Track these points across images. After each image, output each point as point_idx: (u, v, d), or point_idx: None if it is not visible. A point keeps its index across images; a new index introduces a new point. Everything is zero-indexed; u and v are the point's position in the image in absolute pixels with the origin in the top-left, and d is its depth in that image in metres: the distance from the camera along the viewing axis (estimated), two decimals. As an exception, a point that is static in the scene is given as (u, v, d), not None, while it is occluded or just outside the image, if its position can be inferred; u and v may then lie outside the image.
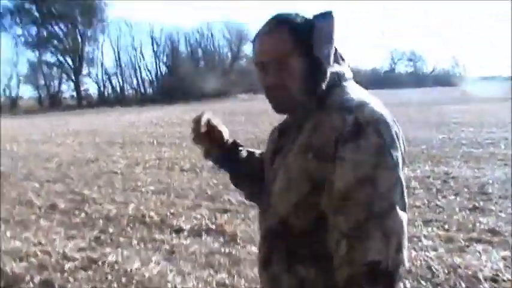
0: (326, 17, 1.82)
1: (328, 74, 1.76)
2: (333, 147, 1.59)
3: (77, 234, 7.20)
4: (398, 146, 1.63)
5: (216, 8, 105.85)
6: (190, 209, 8.27)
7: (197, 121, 2.04)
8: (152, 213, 8.01)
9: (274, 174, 1.84)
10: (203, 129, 2.04)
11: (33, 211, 8.77)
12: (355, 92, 1.77)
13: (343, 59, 1.87)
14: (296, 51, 1.73)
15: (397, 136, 1.64)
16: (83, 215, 8.30)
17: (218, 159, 2.18)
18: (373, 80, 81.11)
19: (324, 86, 1.75)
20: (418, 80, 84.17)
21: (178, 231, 7.07)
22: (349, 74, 1.86)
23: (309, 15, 1.83)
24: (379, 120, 1.62)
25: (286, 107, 1.82)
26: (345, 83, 1.80)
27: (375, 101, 1.74)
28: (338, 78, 1.80)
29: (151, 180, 10.85)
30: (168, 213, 7.99)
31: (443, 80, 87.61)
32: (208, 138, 2.09)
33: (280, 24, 1.78)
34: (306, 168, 1.67)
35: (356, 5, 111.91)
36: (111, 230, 7.28)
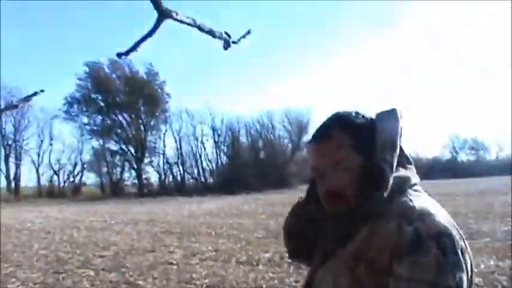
0: (390, 117, 1.74)
1: (391, 181, 1.65)
2: (388, 261, 1.50)
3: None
4: (463, 265, 1.51)
5: (276, 95, 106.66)
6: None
7: None
8: (205, 308, 7.85)
9: (322, 275, 1.76)
10: None
11: (88, 301, 8.71)
12: (418, 199, 1.66)
13: (409, 162, 1.79)
14: (355, 156, 1.66)
15: (462, 253, 1.52)
16: (135, 307, 8.19)
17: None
18: (435, 169, 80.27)
19: (385, 194, 1.63)
20: (481, 168, 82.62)
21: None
22: (414, 179, 1.76)
23: (371, 113, 1.75)
24: (442, 233, 1.52)
25: (342, 214, 1.71)
26: (409, 190, 1.70)
27: (440, 210, 1.64)
28: (401, 184, 1.69)
29: (206, 273, 10.67)
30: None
31: (509, 167, 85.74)
32: None
33: (338, 126, 1.71)
34: (356, 281, 1.57)
35: (412, 89, 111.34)
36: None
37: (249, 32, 3.32)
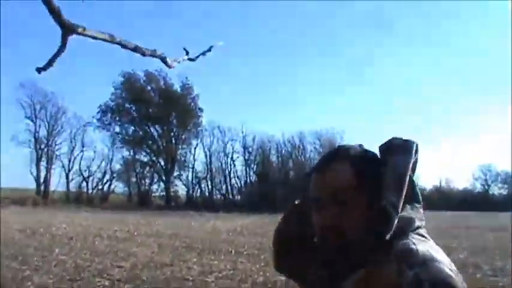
0: (402, 151, 1.61)
1: (395, 223, 1.52)
2: None
3: None
4: None
5: (309, 118, 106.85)
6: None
7: None
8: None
9: None
10: None
11: (96, 311, 8.64)
12: (421, 244, 1.52)
13: (418, 201, 1.63)
14: (358, 190, 1.54)
15: None
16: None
17: None
18: (465, 201, 79.44)
19: (387, 237, 1.51)
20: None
21: None
22: (420, 222, 1.60)
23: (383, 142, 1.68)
24: (445, 282, 1.40)
25: (337, 253, 1.58)
26: (412, 233, 1.56)
27: (443, 257, 1.51)
28: (404, 227, 1.55)
29: (220, 291, 10.59)
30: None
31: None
32: None
33: (341, 158, 1.62)
34: None
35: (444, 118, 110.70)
36: None
37: (209, 50, 3.26)
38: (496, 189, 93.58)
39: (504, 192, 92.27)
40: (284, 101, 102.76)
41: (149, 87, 69.24)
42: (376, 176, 1.57)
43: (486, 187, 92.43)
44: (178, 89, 69.66)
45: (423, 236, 1.58)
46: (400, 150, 1.60)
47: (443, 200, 79.09)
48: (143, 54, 2.91)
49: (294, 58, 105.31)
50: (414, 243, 1.50)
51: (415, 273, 1.40)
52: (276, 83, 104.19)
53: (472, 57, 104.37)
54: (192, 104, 70.11)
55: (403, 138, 1.65)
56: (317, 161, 1.71)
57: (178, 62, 3.08)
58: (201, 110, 70.68)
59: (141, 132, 69.79)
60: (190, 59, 3.03)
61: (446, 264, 1.46)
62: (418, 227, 1.60)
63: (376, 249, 1.52)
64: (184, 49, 2.97)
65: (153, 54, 2.96)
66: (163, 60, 3.01)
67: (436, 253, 1.51)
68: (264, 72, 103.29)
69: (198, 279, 12.10)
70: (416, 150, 1.63)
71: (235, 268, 13.88)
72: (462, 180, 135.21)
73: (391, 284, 1.42)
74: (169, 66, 3.03)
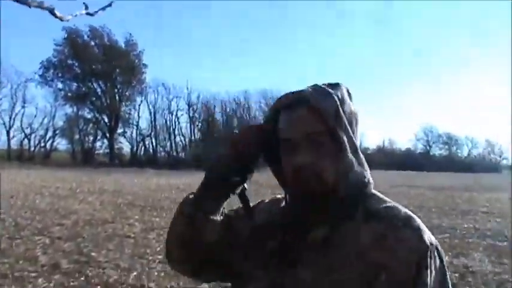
0: (346, 93, 1.59)
1: (357, 169, 1.52)
2: (413, 271, 1.39)
3: (70, 299, 6.99)
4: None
5: (255, 77, 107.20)
6: (191, 282, 7.99)
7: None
8: (152, 284, 7.78)
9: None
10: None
11: (35, 269, 8.61)
12: (397, 204, 1.56)
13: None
14: (335, 131, 1.47)
15: None
16: (82, 278, 8.09)
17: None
18: (408, 161, 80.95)
19: (354, 182, 1.51)
20: (453, 164, 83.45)
21: (173, 306, 6.81)
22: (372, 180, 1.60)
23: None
24: (439, 245, 1.48)
25: (317, 194, 1.48)
26: (373, 190, 1.59)
27: None
28: (368, 180, 1.57)
29: (161, 249, 10.56)
30: (169, 286, 7.72)
31: (480, 165, 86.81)
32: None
33: (319, 95, 1.51)
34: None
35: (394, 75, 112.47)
36: (106, 298, 7.05)
37: (109, 5, 3.26)
38: (437, 150, 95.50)
39: (445, 153, 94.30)
40: (229, 59, 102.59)
41: (93, 43, 67.97)
42: (349, 120, 1.53)
43: (428, 148, 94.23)
44: (123, 45, 68.70)
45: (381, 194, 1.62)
46: (344, 92, 1.60)
47: (386, 160, 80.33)
48: (29, 6, 2.85)
49: (239, 16, 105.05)
50: (403, 209, 1.54)
51: (427, 237, 1.45)
52: (221, 40, 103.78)
53: (415, 19, 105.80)
54: (137, 60, 69.29)
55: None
56: (285, 97, 1.57)
57: (75, 16, 3.05)
58: (145, 66, 70.04)
59: (84, 89, 68.54)
60: (88, 14, 3.00)
61: None
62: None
63: (351, 198, 1.51)
64: (84, 3, 2.94)
65: (40, 6, 2.90)
66: (52, 12, 2.96)
67: None
68: (209, 29, 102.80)
69: (140, 237, 12.11)
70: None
71: (177, 225, 13.88)
72: (405, 140, 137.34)
73: (414, 249, 1.41)
74: (60, 19, 2.99)
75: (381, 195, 1.59)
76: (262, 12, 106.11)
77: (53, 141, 68.82)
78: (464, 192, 30.77)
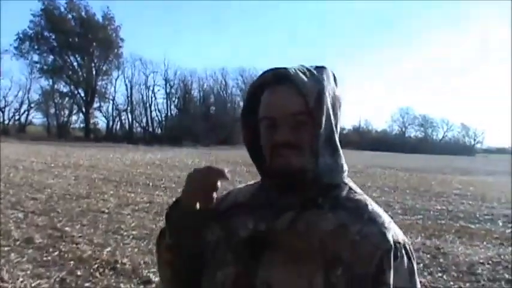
0: (330, 77, 1.57)
1: (330, 155, 1.52)
2: (373, 269, 1.38)
3: (43, 273, 6.95)
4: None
5: (233, 55, 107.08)
6: (166, 259, 7.99)
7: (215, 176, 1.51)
8: (125, 260, 7.73)
9: (282, 276, 1.44)
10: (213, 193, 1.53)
11: (8, 243, 8.55)
12: (368, 198, 1.55)
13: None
14: (310, 111, 1.45)
15: None
16: (56, 253, 8.05)
17: (188, 218, 1.53)
18: (383, 142, 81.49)
19: (331, 165, 1.52)
20: (427, 146, 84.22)
21: (147, 282, 6.80)
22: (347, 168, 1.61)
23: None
24: (406, 241, 1.49)
25: (295, 171, 1.46)
26: (346, 179, 1.59)
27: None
28: (345, 168, 1.59)
29: (135, 224, 10.57)
30: (142, 262, 7.70)
31: (454, 148, 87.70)
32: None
33: (303, 73, 1.49)
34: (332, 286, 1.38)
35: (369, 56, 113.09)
36: (79, 273, 7.02)
37: None
38: (413, 132, 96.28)
39: (420, 135, 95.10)
40: (207, 35, 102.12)
41: (70, 16, 67.20)
42: (333, 103, 1.53)
43: (403, 130, 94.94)
44: (100, 19, 68.02)
45: (355, 186, 1.62)
46: (329, 76, 1.58)
47: (361, 140, 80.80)
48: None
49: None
50: (371, 203, 1.52)
51: (392, 235, 1.44)
52: (200, 17, 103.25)
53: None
54: (114, 34, 68.70)
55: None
56: (269, 74, 1.54)
57: None
58: (122, 40, 69.49)
59: (60, 62, 67.87)
60: None
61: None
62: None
63: (326, 185, 1.51)
64: None
65: None
66: None
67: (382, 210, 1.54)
68: (188, 5, 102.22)
69: (114, 212, 12.07)
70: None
71: (152, 201, 13.91)
72: (381, 121, 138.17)
73: (377, 245, 1.40)
74: None
75: (354, 186, 1.59)
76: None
77: (27, 115, 68.51)
78: (438, 174, 31.06)
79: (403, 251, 1.44)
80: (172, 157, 34.04)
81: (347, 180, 1.58)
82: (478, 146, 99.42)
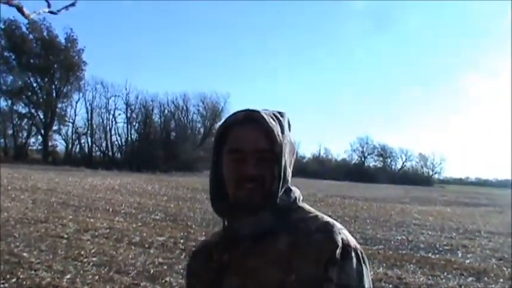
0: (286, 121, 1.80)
1: (291, 188, 1.76)
2: (322, 270, 1.55)
3: (0, 302, 6.78)
4: (369, 276, 1.63)
5: (194, 79, 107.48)
6: (127, 287, 7.87)
7: None
8: (86, 288, 7.61)
9: None
10: None
11: (-36, 270, 8.32)
12: (323, 215, 1.72)
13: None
14: (273, 150, 1.65)
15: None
16: (13, 280, 7.86)
17: None
18: (343, 171, 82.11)
19: (286, 198, 1.72)
20: (386, 175, 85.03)
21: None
22: (301, 196, 1.81)
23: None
24: (357, 246, 1.63)
25: (257, 202, 1.65)
26: (301, 204, 1.78)
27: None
28: (298, 197, 1.78)
29: (95, 251, 10.41)
30: (102, 290, 7.58)
31: (412, 178, 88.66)
32: None
33: (271, 116, 1.71)
34: None
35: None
36: (37, 302, 6.86)
37: (73, 4, 3.19)
38: (372, 162, 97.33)
39: (379, 164, 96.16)
40: (169, 60, 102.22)
41: (31, 36, 66.39)
42: (290, 148, 1.72)
43: (363, 159, 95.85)
44: (63, 41, 67.39)
45: (312, 208, 1.79)
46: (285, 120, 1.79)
47: (321, 169, 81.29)
48: (-2, 3, 2.75)
49: (179, 17, 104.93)
50: (323, 217, 1.70)
51: (342, 239, 1.58)
52: (162, 41, 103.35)
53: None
54: (76, 57, 68.01)
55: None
56: (239, 114, 1.72)
57: (38, 14, 2.95)
58: (85, 63, 68.77)
59: (20, 83, 66.81)
60: (51, 12, 2.90)
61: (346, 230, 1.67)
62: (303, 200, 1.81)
63: (281, 210, 1.68)
64: (46, 1, 2.84)
65: (8, 2, 2.80)
66: (19, 9, 2.86)
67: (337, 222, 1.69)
68: (150, 30, 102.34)
69: (73, 237, 11.88)
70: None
71: (112, 227, 13.72)
72: (341, 150, 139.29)
73: (328, 248, 1.56)
74: (25, 17, 2.88)
75: (308, 208, 1.77)
76: (204, 13, 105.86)
77: (-16, 136, 67.04)
78: (397, 204, 31.35)
79: (353, 253, 1.58)
80: (132, 183, 33.78)
81: (301, 204, 1.77)
82: (436, 176, 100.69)
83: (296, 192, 1.77)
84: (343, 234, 1.61)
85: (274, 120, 1.70)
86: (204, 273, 1.78)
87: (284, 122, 1.74)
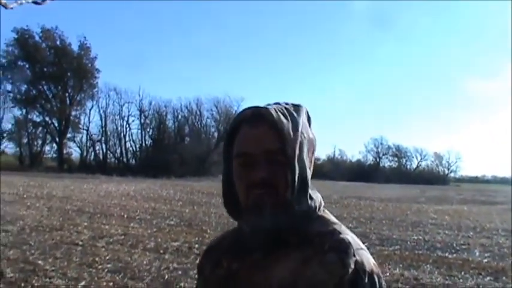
0: (305, 115, 1.66)
1: (311, 194, 1.59)
2: None
3: (15, 310, 6.77)
4: None
5: (207, 84, 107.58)
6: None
7: None
8: (100, 294, 7.60)
9: None
10: None
11: (-21, 278, 8.33)
12: (341, 228, 1.59)
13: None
14: (284, 150, 1.50)
15: None
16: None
17: None
18: (358, 173, 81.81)
19: (305, 205, 1.56)
20: (401, 176, 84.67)
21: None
22: (323, 202, 1.67)
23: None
24: (374, 271, 1.49)
25: (269, 210, 1.50)
26: (322, 212, 1.64)
27: (357, 239, 1.57)
28: (318, 204, 1.62)
29: (110, 257, 10.40)
30: (117, 296, 7.56)
31: (428, 177, 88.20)
32: None
33: (281, 113, 1.56)
34: None
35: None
36: (52, 309, 6.85)
37: None
38: (387, 162, 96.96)
39: (394, 165, 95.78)
40: (182, 65, 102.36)
41: (44, 45, 66.73)
42: (307, 144, 1.59)
43: (377, 159, 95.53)
44: (76, 49, 67.68)
45: (333, 218, 1.65)
46: (303, 114, 1.66)
47: (336, 170, 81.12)
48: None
49: (192, 22, 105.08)
50: (340, 232, 1.55)
51: (355, 262, 1.45)
52: (174, 46, 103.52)
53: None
54: (90, 64, 68.27)
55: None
56: (248, 112, 1.60)
57: (21, 4, 2.91)
58: (98, 71, 69.02)
59: (34, 92, 67.21)
60: (35, 2, 2.87)
61: (365, 249, 1.54)
62: (324, 205, 1.67)
63: (299, 218, 1.54)
64: None
65: None
66: None
67: (357, 239, 1.56)
68: (162, 35, 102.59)
69: (88, 244, 11.89)
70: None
71: (127, 233, 13.73)
72: (355, 151, 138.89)
73: (337, 272, 1.43)
74: (4, 6, 2.85)
75: (329, 217, 1.63)
76: (217, 17, 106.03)
77: (0, 145, 67.51)
78: (413, 204, 31.18)
79: (367, 280, 1.45)
80: (147, 188, 33.81)
81: (321, 212, 1.63)
82: (452, 175, 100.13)
83: (318, 198, 1.63)
84: (359, 255, 1.48)
85: (285, 116, 1.56)
86: (212, 278, 1.69)
87: (299, 116, 1.60)
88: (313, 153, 1.63)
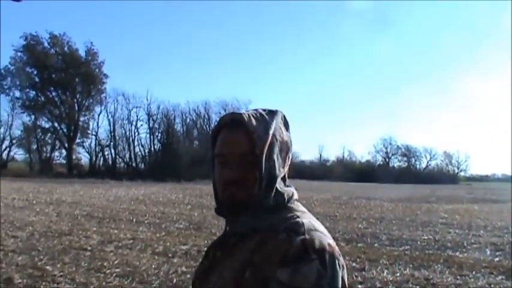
0: (282, 121, 1.85)
1: (278, 189, 1.76)
2: (275, 269, 1.55)
3: (23, 316, 6.74)
4: (339, 282, 1.59)
5: (214, 87, 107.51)
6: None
7: None
8: (109, 300, 7.56)
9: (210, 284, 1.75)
10: None
11: (-13, 284, 8.31)
12: (303, 214, 1.75)
13: (288, 185, 1.86)
14: (255, 152, 1.70)
15: (341, 271, 1.62)
16: (36, 293, 7.84)
17: None
18: (367, 174, 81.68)
19: (271, 199, 1.73)
20: (411, 175, 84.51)
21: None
22: (296, 196, 1.84)
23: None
24: (326, 249, 1.59)
25: (239, 205, 1.71)
26: (291, 204, 1.79)
27: (323, 228, 1.73)
28: (286, 197, 1.78)
29: (118, 262, 10.36)
30: (125, 302, 7.52)
31: (438, 177, 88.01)
32: None
33: (254, 118, 1.75)
34: (242, 285, 1.61)
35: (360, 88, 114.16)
36: (60, 315, 6.82)
37: None
38: (396, 162, 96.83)
39: (403, 165, 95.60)
40: (189, 69, 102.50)
41: (52, 51, 66.93)
42: (280, 147, 1.77)
43: (387, 160, 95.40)
44: (83, 54, 67.86)
45: (302, 208, 1.82)
46: (280, 119, 1.85)
47: (345, 171, 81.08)
48: None
49: (199, 25, 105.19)
50: (298, 216, 1.71)
51: (302, 239, 1.58)
52: (182, 50, 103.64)
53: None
54: (97, 70, 68.44)
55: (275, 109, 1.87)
56: (226, 118, 1.81)
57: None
58: (106, 76, 69.19)
59: (42, 98, 67.39)
60: None
61: (324, 232, 1.69)
62: (297, 200, 1.84)
63: (265, 212, 1.71)
64: None
65: None
66: None
67: (317, 224, 1.71)
68: (170, 38, 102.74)
69: (97, 249, 11.86)
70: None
71: (135, 238, 13.70)
72: (364, 152, 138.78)
73: (282, 249, 1.57)
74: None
75: (297, 208, 1.79)
76: (224, 20, 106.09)
77: (9, 151, 67.86)
78: (423, 204, 31.08)
79: (315, 256, 1.55)
80: (156, 192, 33.84)
81: (291, 204, 1.78)
82: (462, 174, 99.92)
83: (289, 192, 1.79)
84: (310, 235, 1.61)
85: (258, 120, 1.74)
86: (199, 268, 1.87)
87: (272, 120, 1.78)
88: (287, 153, 1.81)
